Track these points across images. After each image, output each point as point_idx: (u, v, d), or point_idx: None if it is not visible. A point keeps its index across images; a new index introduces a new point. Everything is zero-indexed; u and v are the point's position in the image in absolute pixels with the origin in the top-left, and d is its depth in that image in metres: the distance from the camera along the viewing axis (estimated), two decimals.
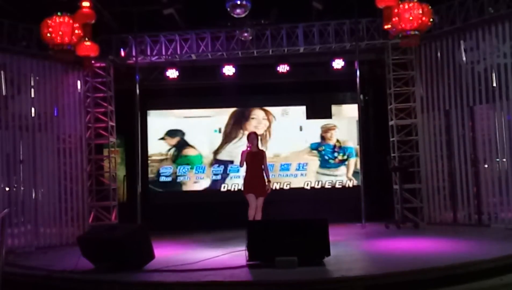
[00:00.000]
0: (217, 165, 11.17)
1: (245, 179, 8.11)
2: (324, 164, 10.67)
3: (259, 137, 8.34)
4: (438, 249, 6.91)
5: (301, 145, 10.96)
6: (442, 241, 7.58)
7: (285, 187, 11.42)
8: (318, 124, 11.19)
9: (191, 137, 11.31)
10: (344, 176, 10.84)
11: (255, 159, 7.95)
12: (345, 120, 11.26)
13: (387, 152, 10.05)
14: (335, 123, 11.07)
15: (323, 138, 10.81)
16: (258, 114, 11.24)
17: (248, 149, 7.96)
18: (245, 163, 7.99)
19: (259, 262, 5.96)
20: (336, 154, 10.29)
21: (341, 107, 11.38)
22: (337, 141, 10.67)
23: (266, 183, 7.98)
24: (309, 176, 10.70)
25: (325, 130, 10.95)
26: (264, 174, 8.04)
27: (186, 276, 5.60)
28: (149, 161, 11.22)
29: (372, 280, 5.20)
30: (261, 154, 8.09)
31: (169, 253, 7.27)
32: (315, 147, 10.84)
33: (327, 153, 10.50)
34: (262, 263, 5.92)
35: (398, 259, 6.21)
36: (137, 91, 10.04)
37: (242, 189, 8.15)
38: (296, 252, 5.81)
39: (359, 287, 5.11)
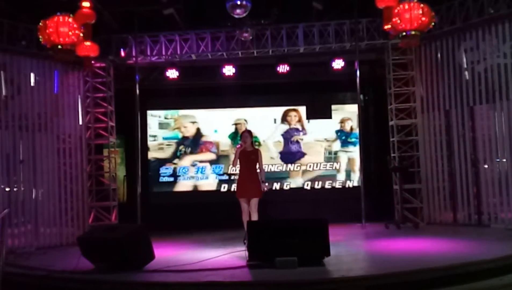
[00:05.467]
0: None
1: (238, 180, 7.82)
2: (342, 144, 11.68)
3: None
4: (438, 249, 6.91)
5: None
6: (442, 241, 7.58)
7: (285, 187, 11.44)
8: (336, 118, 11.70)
9: None
10: (354, 152, 11.53)
11: (248, 159, 7.63)
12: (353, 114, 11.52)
13: (387, 152, 10.05)
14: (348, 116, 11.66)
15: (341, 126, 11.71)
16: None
17: (241, 147, 7.66)
18: (238, 163, 7.70)
19: (259, 262, 5.96)
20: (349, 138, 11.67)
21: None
22: (351, 128, 11.61)
23: (261, 184, 7.62)
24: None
25: (342, 120, 11.66)
26: (259, 175, 7.68)
27: (186, 276, 5.61)
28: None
29: (372, 280, 5.20)
30: (256, 154, 7.69)
31: (169, 253, 7.27)
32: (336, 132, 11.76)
33: (341, 137, 11.66)
34: (262, 263, 5.92)
35: (398, 259, 6.21)
36: (137, 91, 10.05)
37: (235, 191, 7.85)
38: (296, 252, 5.81)
39: (359, 287, 5.12)
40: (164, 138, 11.56)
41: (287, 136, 11.60)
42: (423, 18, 7.39)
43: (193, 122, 11.60)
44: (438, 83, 9.68)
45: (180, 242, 8.60)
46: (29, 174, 8.92)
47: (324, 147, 11.53)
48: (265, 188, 7.70)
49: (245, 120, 11.60)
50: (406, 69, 10.06)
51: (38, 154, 9.08)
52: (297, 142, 11.56)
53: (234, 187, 11.24)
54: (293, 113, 11.64)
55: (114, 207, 10.01)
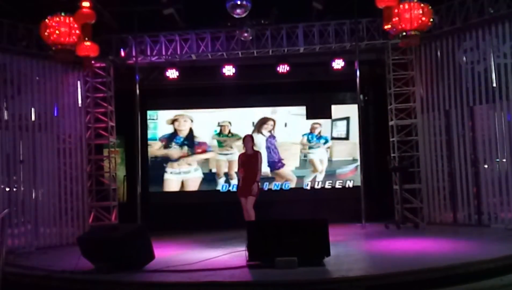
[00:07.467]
0: None
1: (239, 181, 8.64)
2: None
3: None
4: (438, 249, 6.91)
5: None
6: (442, 241, 7.59)
7: (285, 187, 11.44)
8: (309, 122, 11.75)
9: None
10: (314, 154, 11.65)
11: (249, 161, 8.26)
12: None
13: (387, 152, 10.05)
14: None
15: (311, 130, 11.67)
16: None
17: (243, 152, 8.39)
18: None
19: (259, 262, 5.96)
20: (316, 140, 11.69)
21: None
22: (319, 133, 11.62)
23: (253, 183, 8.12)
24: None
25: (312, 125, 11.62)
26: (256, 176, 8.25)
27: (186, 276, 5.61)
28: None
29: (372, 280, 5.20)
30: (256, 156, 8.30)
31: (169, 253, 7.27)
32: (305, 134, 11.72)
33: (312, 139, 11.70)
34: (262, 263, 5.92)
35: (398, 259, 6.22)
36: (137, 91, 10.04)
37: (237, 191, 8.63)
38: (296, 252, 5.81)
39: (359, 287, 5.11)
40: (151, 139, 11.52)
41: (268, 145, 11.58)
42: (423, 18, 7.39)
43: (186, 121, 11.58)
44: (438, 83, 9.68)
45: (180, 242, 8.60)
46: (29, 174, 8.92)
47: (299, 149, 11.55)
48: (255, 188, 8.12)
49: (229, 122, 11.57)
50: (406, 69, 10.06)
51: (38, 154, 9.08)
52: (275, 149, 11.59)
53: (233, 187, 11.35)
54: (270, 122, 11.60)
55: (114, 207, 10.01)
